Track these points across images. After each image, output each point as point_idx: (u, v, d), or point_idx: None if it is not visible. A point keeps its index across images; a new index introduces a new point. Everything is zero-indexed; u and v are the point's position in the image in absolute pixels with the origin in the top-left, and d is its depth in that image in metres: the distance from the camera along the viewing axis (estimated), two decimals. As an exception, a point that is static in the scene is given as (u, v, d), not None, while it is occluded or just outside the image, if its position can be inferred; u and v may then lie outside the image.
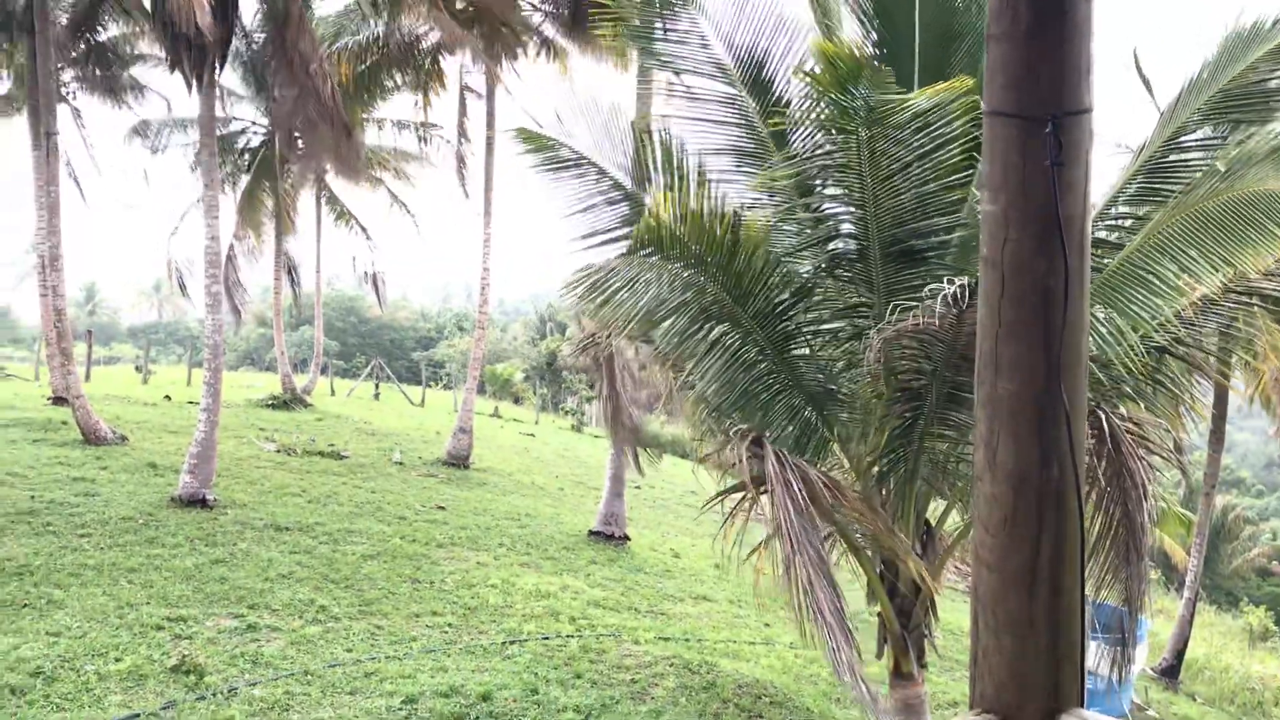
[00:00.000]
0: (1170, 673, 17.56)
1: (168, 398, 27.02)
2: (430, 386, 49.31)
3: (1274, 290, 7.28)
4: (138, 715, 7.85)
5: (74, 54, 23.31)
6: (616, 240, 8.20)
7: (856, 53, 6.31)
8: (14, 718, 7.53)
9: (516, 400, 51.13)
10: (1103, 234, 7.46)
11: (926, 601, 7.93)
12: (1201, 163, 7.04)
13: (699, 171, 7.57)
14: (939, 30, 7.74)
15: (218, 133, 20.14)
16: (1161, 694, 16.52)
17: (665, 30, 8.04)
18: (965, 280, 6.03)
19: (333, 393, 38.50)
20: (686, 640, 12.17)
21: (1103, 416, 6.75)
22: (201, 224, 16.25)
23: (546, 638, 11.19)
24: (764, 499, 6.75)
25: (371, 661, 9.67)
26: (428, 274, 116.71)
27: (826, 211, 7.80)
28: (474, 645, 10.62)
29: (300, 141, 24.39)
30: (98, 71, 24.30)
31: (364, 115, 27.21)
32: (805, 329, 7.89)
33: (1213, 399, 16.91)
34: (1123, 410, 7.40)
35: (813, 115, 7.06)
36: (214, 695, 8.38)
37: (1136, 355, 6.30)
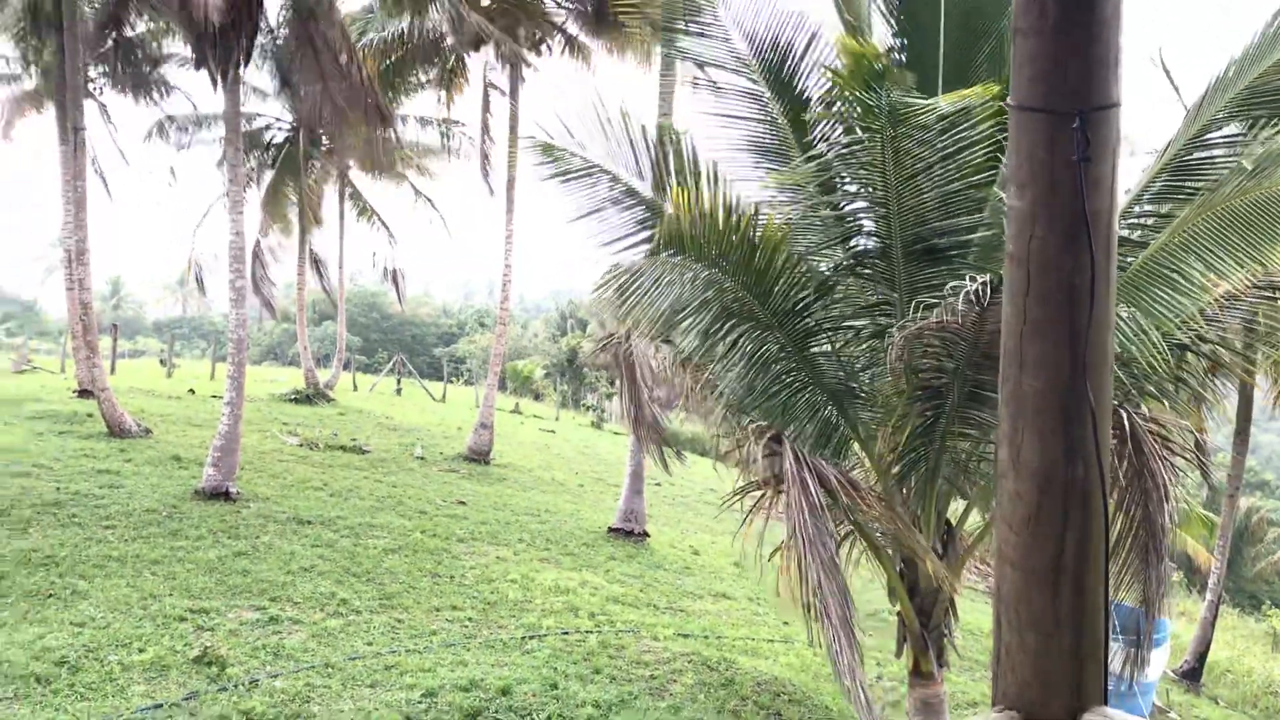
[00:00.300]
0: (1192, 676, 17.42)
1: (191, 391, 27.21)
2: (451, 382, 49.45)
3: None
4: (160, 705, 7.91)
5: (101, 50, 23.50)
6: (633, 244, 8.21)
7: (881, 50, 6.28)
8: (40, 706, 7.60)
9: (537, 397, 51.28)
10: (1124, 232, 7.40)
11: (946, 601, 7.89)
12: (1227, 160, 6.96)
13: (714, 171, 7.58)
14: (965, 26, 7.69)
15: (242, 129, 20.24)
16: (1183, 697, 16.39)
17: (687, 24, 8.04)
18: (987, 278, 6.00)
19: (355, 388, 38.70)
20: (705, 637, 12.17)
21: (1124, 416, 6.70)
22: (226, 220, 16.36)
23: (566, 633, 11.22)
24: (782, 497, 6.74)
25: (392, 655, 9.72)
26: (450, 270, 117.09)
27: (848, 209, 7.78)
28: (493, 640, 10.65)
29: (325, 134, 24.49)
30: (124, 68, 24.48)
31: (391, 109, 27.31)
32: (826, 326, 7.87)
33: (1237, 400, 16.76)
34: (1144, 409, 7.35)
35: (836, 112, 7.05)
36: (235, 687, 8.44)
37: (1159, 354, 6.25)
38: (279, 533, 13.35)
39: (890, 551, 7.96)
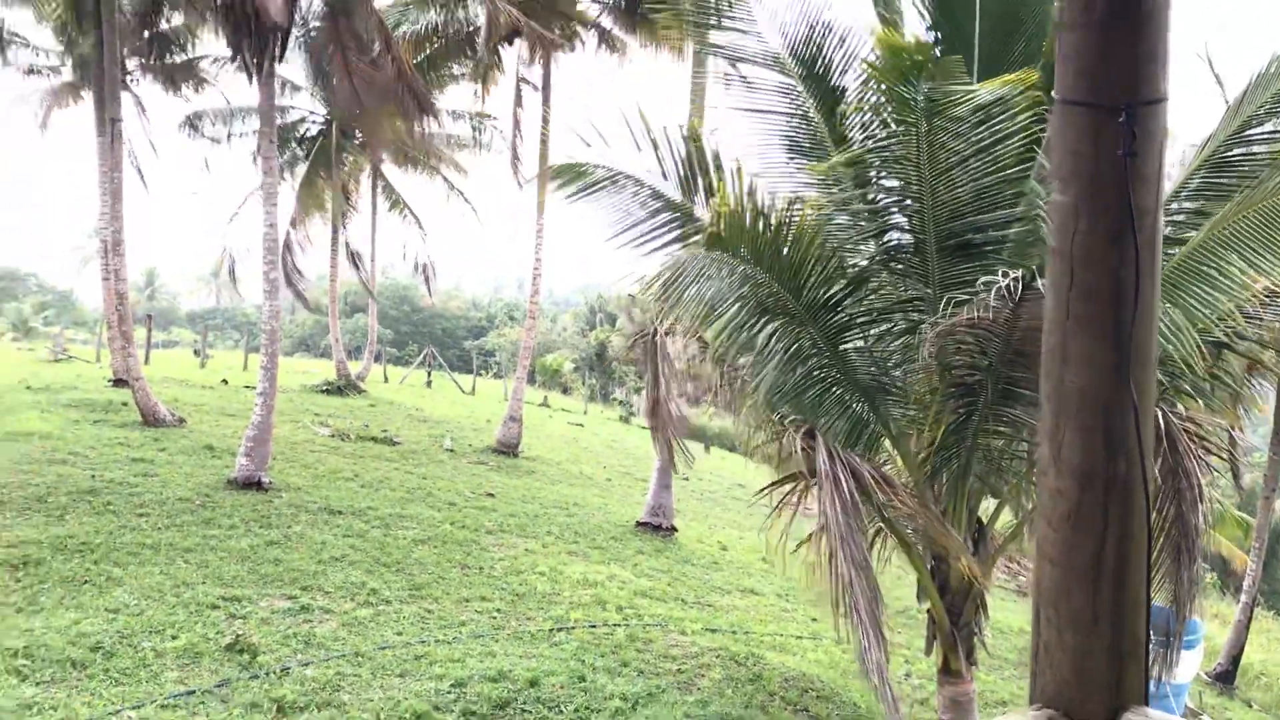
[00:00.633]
0: (1225, 678, 17.22)
1: (224, 381, 27.48)
2: (481, 375, 49.71)
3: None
4: (193, 692, 7.99)
5: (138, 42, 23.75)
6: (662, 246, 8.23)
7: (917, 43, 6.24)
8: (76, 690, 7.71)
9: (565, 390, 51.42)
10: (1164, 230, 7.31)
11: (977, 599, 7.86)
12: (1268, 157, 6.87)
13: (738, 169, 7.59)
14: (1000, 19, 7.63)
15: (277, 122, 20.39)
16: (1216, 699, 16.21)
17: (719, 19, 8.01)
18: (1020, 273, 5.95)
19: (386, 380, 38.94)
20: (733, 632, 12.16)
21: (1159, 413, 6.63)
22: (260, 211, 16.49)
23: (593, 626, 11.24)
24: (812, 493, 6.72)
25: (421, 645, 9.78)
26: (480, 264, 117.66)
27: (882, 203, 7.74)
28: (522, 631, 10.69)
29: (359, 126, 24.62)
30: (160, 60, 24.74)
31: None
32: (859, 321, 7.83)
33: (1274, 400, 16.52)
34: (1180, 408, 7.27)
35: (870, 105, 7.01)
36: (267, 674, 8.52)
37: (1197, 351, 6.18)
38: (310, 523, 13.45)
39: (921, 549, 7.92)
